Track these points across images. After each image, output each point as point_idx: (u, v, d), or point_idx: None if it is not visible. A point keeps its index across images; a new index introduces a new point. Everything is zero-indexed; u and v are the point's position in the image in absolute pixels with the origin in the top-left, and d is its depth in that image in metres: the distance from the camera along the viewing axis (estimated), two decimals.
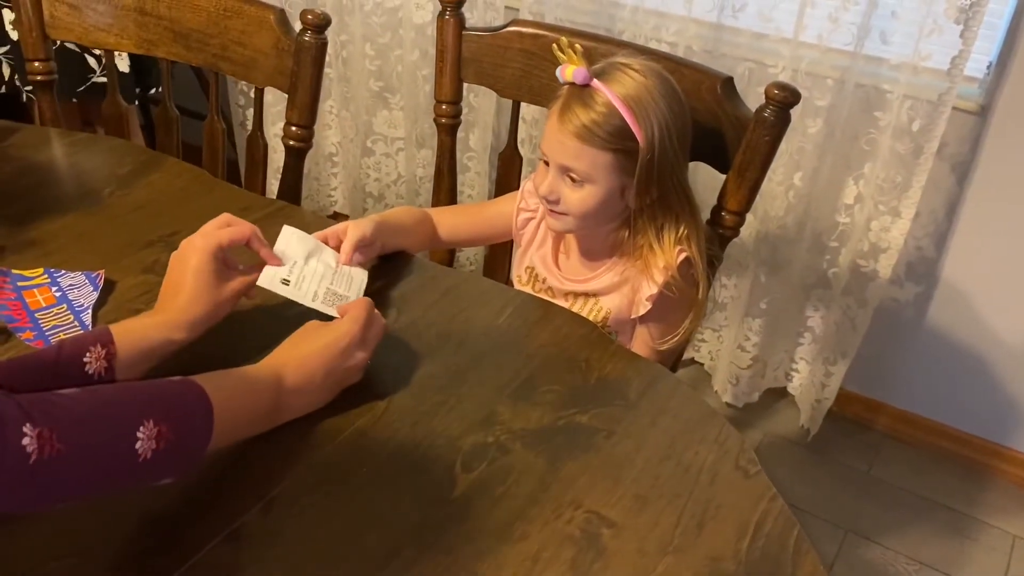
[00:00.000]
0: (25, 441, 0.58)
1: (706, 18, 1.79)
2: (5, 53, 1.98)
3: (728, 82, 1.18)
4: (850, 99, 1.72)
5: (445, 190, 1.48)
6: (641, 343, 1.20)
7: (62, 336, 0.92)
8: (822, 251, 1.91)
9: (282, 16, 1.33)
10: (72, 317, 0.96)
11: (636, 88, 1.05)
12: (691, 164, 1.14)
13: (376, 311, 0.89)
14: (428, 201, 2.22)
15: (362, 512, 0.77)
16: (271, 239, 0.95)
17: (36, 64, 1.44)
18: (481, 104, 2.15)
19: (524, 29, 1.31)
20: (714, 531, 0.77)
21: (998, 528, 1.87)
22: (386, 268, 1.10)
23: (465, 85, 1.39)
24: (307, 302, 0.92)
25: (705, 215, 1.20)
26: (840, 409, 2.08)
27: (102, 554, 0.71)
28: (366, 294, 0.98)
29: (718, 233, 1.21)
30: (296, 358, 0.82)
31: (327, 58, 1.34)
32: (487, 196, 2.25)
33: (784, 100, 1.10)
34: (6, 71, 2.00)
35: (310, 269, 0.96)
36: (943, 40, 1.60)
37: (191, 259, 0.86)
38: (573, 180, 1.08)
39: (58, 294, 0.99)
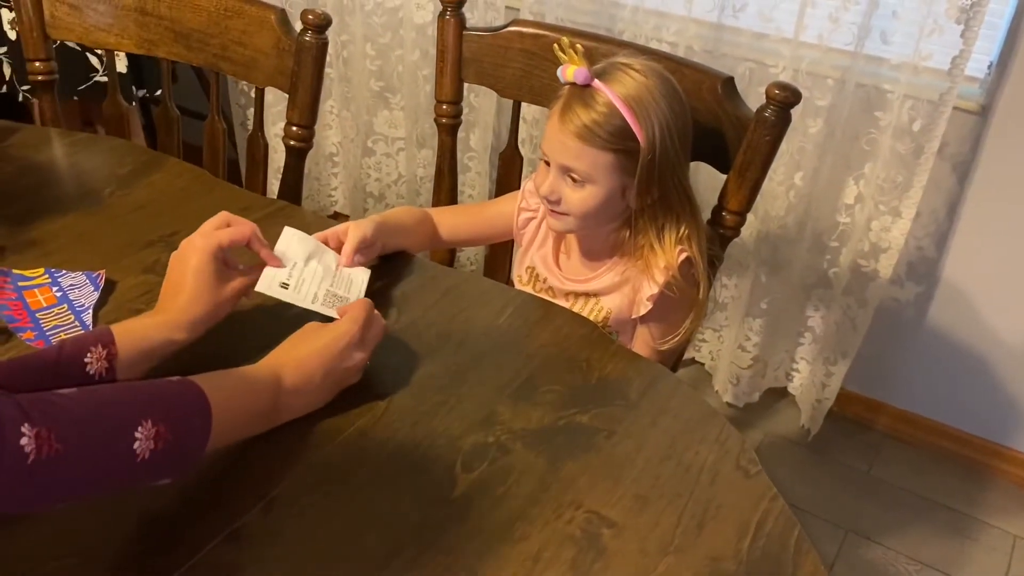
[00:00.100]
0: (23, 441, 0.58)
1: (706, 18, 1.79)
2: (4, 53, 1.98)
3: (729, 82, 1.18)
4: (851, 99, 1.72)
5: (446, 190, 1.48)
6: (642, 343, 1.20)
7: (63, 336, 0.92)
8: (823, 251, 1.91)
9: (283, 16, 1.33)
10: (73, 317, 0.96)
11: (637, 88, 1.05)
12: (692, 164, 1.14)
13: (376, 312, 0.89)
14: (429, 201, 2.22)
15: (362, 512, 0.77)
16: (272, 239, 0.95)
17: (37, 64, 1.44)
18: (482, 104, 2.15)
19: (525, 29, 1.31)
20: (715, 531, 0.77)
21: (999, 528, 1.87)
22: (386, 268, 1.10)
23: (466, 85, 1.39)
24: (307, 304, 0.92)
25: (706, 215, 1.20)
26: (841, 409, 2.08)
27: (102, 554, 0.71)
28: (366, 294, 0.98)
29: (719, 233, 1.21)
30: (295, 359, 0.82)
31: (328, 58, 1.34)
32: (488, 196, 2.25)
33: (785, 100, 1.10)
34: (7, 71, 2.00)
35: (310, 271, 0.95)
36: (944, 40, 1.59)
37: (191, 259, 0.86)
38: (574, 180, 1.08)
39: (59, 294, 0.99)
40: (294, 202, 1.35)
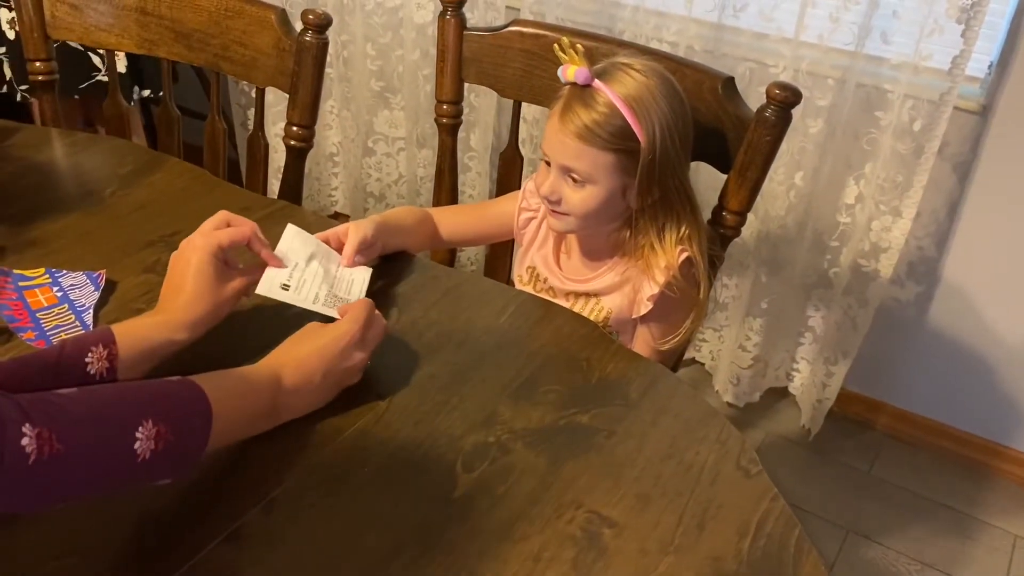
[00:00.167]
0: (24, 441, 0.58)
1: (707, 18, 1.79)
2: (3, 53, 1.98)
3: (729, 82, 1.18)
4: (851, 99, 1.72)
5: (446, 190, 1.48)
6: (642, 343, 1.20)
7: (64, 336, 0.92)
8: (823, 251, 1.91)
9: (283, 16, 1.33)
10: (73, 317, 0.96)
11: (637, 88, 1.05)
12: (692, 164, 1.14)
13: (376, 311, 0.89)
14: (429, 201, 2.22)
15: (363, 512, 0.77)
16: (272, 239, 0.95)
17: (37, 64, 1.44)
18: (482, 104, 2.15)
19: (525, 29, 1.31)
20: (715, 531, 0.77)
21: (999, 528, 1.87)
22: (387, 268, 1.10)
23: (466, 85, 1.39)
24: (307, 305, 0.92)
25: (706, 215, 1.20)
26: (841, 409, 2.08)
27: (102, 554, 0.71)
28: (367, 294, 0.98)
29: (719, 233, 1.21)
30: (295, 359, 0.82)
31: (328, 58, 1.34)
32: (488, 196, 2.25)
33: (785, 100, 1.10)
34: (6, 71, 2.00)
35: (311, 272, 0.95)
36: (944, 40, 1.59)
37: (192, 259, 0.86)
38: (574, 180, 1.08)
39: (59, 294, 0.99)
40: (294, 202, 1.35)
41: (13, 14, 1.89)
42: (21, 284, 1.00)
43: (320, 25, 1.27)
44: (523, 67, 1.32)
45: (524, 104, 1.38)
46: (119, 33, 1.42)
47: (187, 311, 0.85)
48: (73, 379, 0.74)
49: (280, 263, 0.93)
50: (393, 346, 0.95)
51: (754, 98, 1.18)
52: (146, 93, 2.08)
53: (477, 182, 2.29)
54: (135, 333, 0.81)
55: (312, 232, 1.01)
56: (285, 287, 0.92)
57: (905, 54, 1.65)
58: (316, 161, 2.52)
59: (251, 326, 0.95)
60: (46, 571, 0.69)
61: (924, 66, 1.63)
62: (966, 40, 1.57)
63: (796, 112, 1.13)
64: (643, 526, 0.77)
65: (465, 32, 1.34)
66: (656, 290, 1.12)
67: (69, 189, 1.24)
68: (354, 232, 1.02)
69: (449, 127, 1.42)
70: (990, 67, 1.69)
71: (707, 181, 1.51)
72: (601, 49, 1.22)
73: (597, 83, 1.05)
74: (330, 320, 0.89)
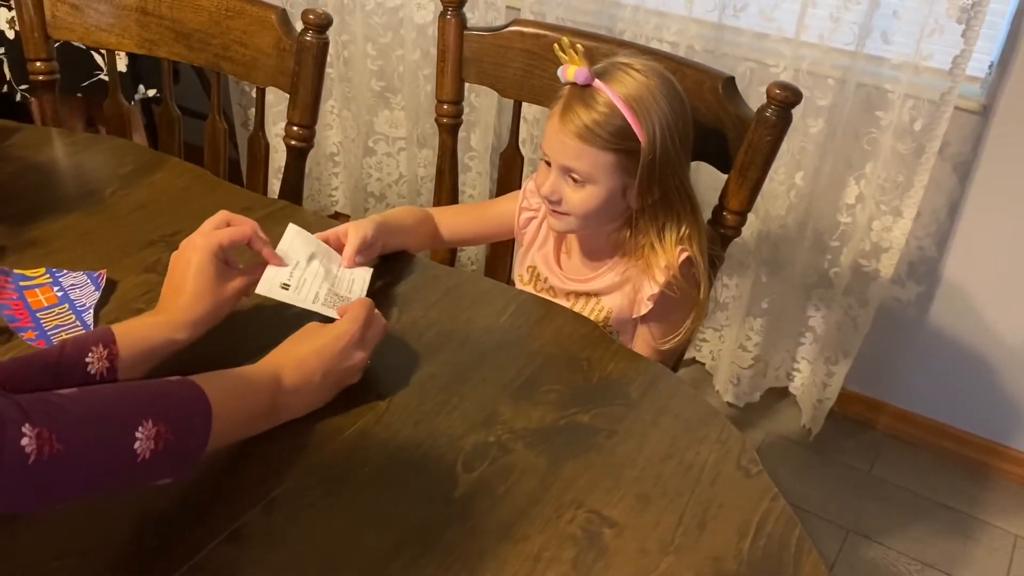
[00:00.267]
0: (24, 441, 0.58)
1: (707, 18, 1.79)
2: (3, 53, 1.98)
3: (729, 82, 1.18)
4: (851, 99, 1.72)
5: (446, 190, 1.48)
6: (642, 343, 1.20)
7: (64, 336, 0.92)
8: (823, 251, 1.91)
9: (283, 16, 1.33)
10: (74, 317, 0.96)
11: (638, 88, 1.05)
12: (693, 164, 1.14)
13: (376, 311, 0.89)
14: (429, 201, 2.22)
15: (363, 512, 0.77)
16: (272, 239, 0.94)
17: (38, 64, 1.44)
18: (482, 104, 2.15)
19: (525, 29, 1.31)
20: (715, 531, 0.77)
21: (1000, 528, 1.87)
22: (387, 268, 1.10)
23: (466, 85, 1.39)
24: (307, 305, 0.92)
25: (706, 215, 1.20)
26: (841, 409, 2.08)
27: (102, 554, 0.71)
28: (367, 294, 0.98)
29: (719, 233, 1.21)
30: (295, 358, 0.82)
31: (328, 58, 1.34)
32: (488, 196, 2.26)
33: (785, 100, 1.10)
34: (6, 71, 2.00)
35: (311, 271, 0.95)
36: (945, 40, 1.59)
37: (192, 259, 0.86)
38: (575, 180, 1.08)
39: (60, 294, 0.99)
40: (295, 202, 1.35)
41: (13, 14, 1.89)
42: (22, 284, 1.00)
43: (320, 25, 1.27)
44: (523, 67, 1.32)
45: (524, 104, 1.38)
46: (119, 33, 1.42)
47: (187, 311, 0.85)
48: (73, 379, 0.74)
49: (281, 262, 0.93)
50: (393, 346, 0.95)
51: (754, 98, 1.18)
52: (151, 93, 2.08)
53: (477, 182, 2.29)
54: (135, 333, 0.81)
55: (312, 232, 1.01)
56: (285, 287, 0.92)
57: (906, 54, 1.65)
58: (317, 161, 2.53)
59: (251, 326, 0.95)
60: (46, 571, 0.69)
61: (925, 66, 1.63)
62: (966, 40, 1.57)
63: (796, 112, 1.13)
64: (643, 526, 0.77)
65: (465, 32, 1.34)
66: (656, 290, 1.12)
67: (69, 189, 1.24)
68: (354, 232, 1.02)
69: (449, 127, 1.42)
70: (990, 67, 1.68)
71: (707, 181, 1.51)
72: (601, 49, 1.22)
73: (597, 83, 1.05)
74: (329, 320, 0.89)
